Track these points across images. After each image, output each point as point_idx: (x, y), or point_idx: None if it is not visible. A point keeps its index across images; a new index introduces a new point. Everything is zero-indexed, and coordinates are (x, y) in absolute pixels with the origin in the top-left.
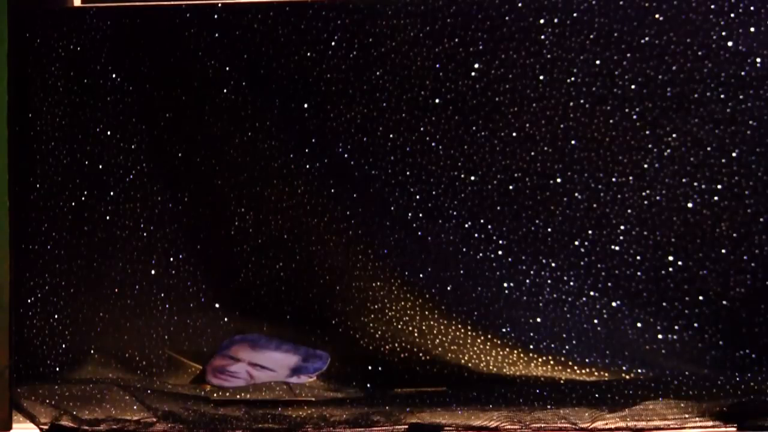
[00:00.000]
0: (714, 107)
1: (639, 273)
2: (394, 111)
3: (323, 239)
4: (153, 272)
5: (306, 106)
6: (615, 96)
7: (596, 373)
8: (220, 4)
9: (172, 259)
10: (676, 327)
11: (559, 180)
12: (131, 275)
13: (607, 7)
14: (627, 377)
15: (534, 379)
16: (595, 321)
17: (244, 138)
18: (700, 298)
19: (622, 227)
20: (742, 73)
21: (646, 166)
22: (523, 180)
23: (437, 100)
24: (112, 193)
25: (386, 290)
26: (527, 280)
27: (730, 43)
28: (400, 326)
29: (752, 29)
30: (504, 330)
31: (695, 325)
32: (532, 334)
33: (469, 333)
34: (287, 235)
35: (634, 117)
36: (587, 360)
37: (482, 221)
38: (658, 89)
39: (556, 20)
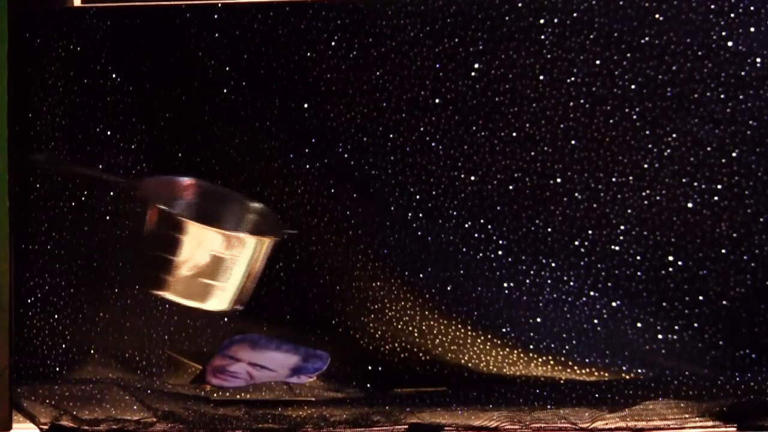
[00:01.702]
0: (714, 107)
1: (639, 273)
2: (394, 111)
3: (323, 239)
4: None
5: (306, 106)
6: (615, 96)
7: (596, 373)
8: (220, 4)
9: None
10: (676, 327)
11: (559, 180)
12: (131, 275)
13: (607, 7)
14: (627, 377)
15: (534, 379)
16: (595, 321)
17: (244, 138)
18: (700, 298)
19: (622, 227)
20: (742, 73)
21: (646, 166)
22: (523, 180)
23: (437, 100)
24: (112, 193)
25: (386, 290)
26: (527, 280)
27: (730, 43)
28: (400, 326)
29: (752, 29)
30: (504, 330)
31: (695, 325)
32: (532, 334)
33: (469, 333)
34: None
35: (634, 117)
36: (587, 360)
37: (482, 221)
38: (658, 89)
39: (556, 20)
